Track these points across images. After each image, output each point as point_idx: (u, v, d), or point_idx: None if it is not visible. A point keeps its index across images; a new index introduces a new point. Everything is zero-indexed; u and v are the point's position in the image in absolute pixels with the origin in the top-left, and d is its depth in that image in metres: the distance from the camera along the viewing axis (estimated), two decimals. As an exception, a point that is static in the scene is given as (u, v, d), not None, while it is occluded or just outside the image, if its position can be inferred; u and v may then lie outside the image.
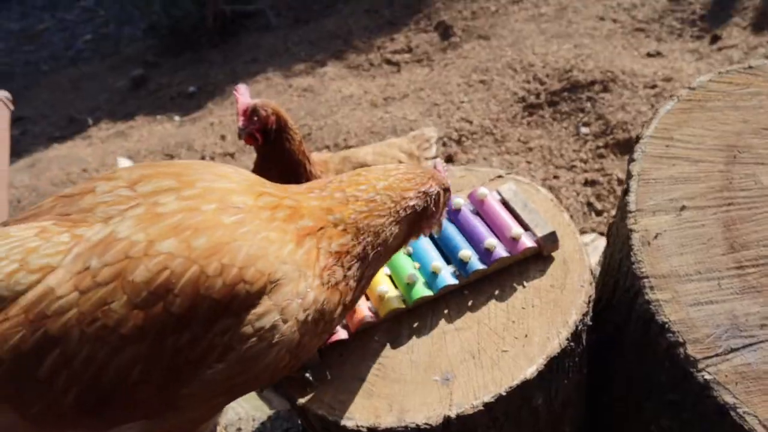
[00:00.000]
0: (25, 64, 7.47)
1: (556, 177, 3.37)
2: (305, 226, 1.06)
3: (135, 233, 0.93)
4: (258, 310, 0.96)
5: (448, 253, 1.48)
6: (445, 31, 5.02)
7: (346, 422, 1.26)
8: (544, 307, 1.38)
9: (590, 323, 1.43)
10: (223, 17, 6.17)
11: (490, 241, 1.45)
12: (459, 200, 1.58)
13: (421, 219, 1.24)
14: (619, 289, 1.56)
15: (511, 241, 1.45)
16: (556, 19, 4.57)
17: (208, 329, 0.92)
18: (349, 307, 1.15)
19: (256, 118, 2.38)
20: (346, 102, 4.56)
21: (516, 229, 1.46)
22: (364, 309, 1.40)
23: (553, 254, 1.49)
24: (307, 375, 1.35)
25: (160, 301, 0.89)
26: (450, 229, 1.52)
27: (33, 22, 8.44)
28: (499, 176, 1.74)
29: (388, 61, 5.02)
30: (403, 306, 1.40)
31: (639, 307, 1.40)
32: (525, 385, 1.25)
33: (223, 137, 4.65)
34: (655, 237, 1.44)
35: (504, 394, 1.24)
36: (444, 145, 3.79)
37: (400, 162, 2.84)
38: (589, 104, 3.69)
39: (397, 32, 5.32)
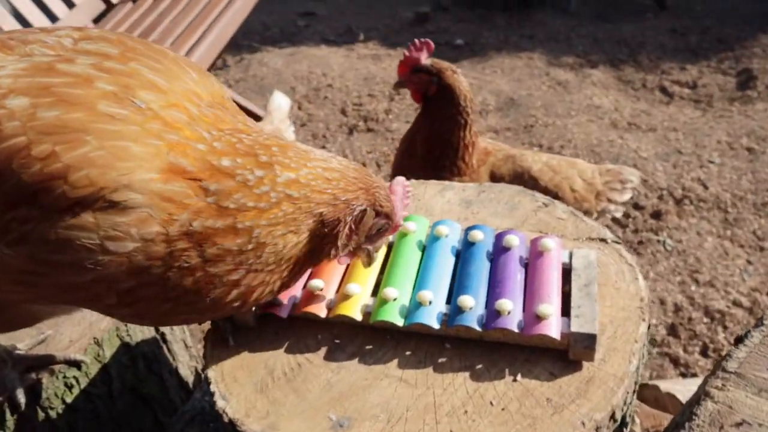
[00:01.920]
0: (348, -30, 8.04)
1: (770, 296, 2.60)
2: (179, 166, 0.85)
3: (9, 77, 0.84)
4: (72, 220, 0.80)
5: (456, 289, 1.15)
6: (746, 81, 4.13)
7: (219, 400, 1.06)
8: (514, 421, 0.99)
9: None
10: (524, -15, 5.89)
11: (505, 303, 1.07)
12: (515, 239, 1.21)
13: (327, 237, 0.97)
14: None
15: (534, 318, 1.06)
16: None
17: (8, 209, 0.81)
18: (211, 307, 0.94)
19: (417, 76, 2.17)
20: (588, 110, 4.05)
21: (548, 306, 1.06)
22: (323, 299, 1.15)
23: (584, 363, 1.06)
24: (229, 338, 1.16)
25: None
26: (480, 266, 1.17)
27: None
28: (603, 240, 1.31)
29: (663, 89, 4.32)
30: (359, 320, 1.12)
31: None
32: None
33: (451, 95, 4.48)
34: (739, 424, 0.95)
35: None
36: (660, 198, 3.15)
37: (573, 189, 2.37)
38: None
39: (693, 63, 4.54)
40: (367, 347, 1.12)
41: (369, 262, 1.14)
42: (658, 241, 2.95)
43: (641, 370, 1.15)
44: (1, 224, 0.81)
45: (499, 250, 1.21)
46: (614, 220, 3.10)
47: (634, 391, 1.10)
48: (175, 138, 0.86)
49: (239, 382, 1.09)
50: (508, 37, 5.48)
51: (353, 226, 1.00)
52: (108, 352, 1.47)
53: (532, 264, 1.17)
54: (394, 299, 1.12)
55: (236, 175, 0.87)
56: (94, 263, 0.82)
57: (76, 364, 1.38)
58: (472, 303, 1.09)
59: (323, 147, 4.14)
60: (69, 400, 1.40)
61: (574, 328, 1.04)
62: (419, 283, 1.16)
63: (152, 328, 1.63)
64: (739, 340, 1.04)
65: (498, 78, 4.70)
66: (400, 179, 1.15)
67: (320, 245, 0.98)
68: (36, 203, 0.79)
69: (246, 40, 6.12)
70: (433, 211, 1.42)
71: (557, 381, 1.04)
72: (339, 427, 1.00)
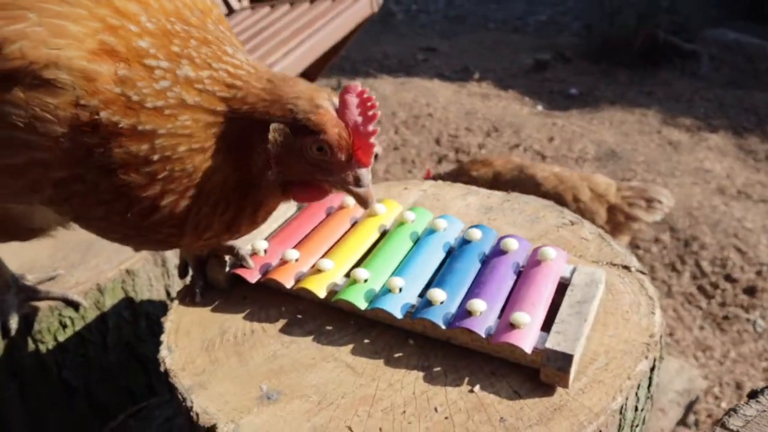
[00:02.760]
0: (478, 15, 8.11)
1: None
2: (108, 44, 0.83)
3: None
4: (4, 94, 0.81)
5: (434, 283, 1.03)
6: None
7: (164, 350, 1.02)
8: None
9: None
10: (652, 42, 5.60)
11: (478, 303, 0.95)
12: (514, 243, 1.08)
13: (245, 161, 0.88)
14: None
15: (507, 326, 0.93)
16: None
17: None
18: (142, 228, 0.90)
19: None
20: (695, 173, 3.73)
21: (524, 315, 0.93)
22: (294, 270, 1.09)
23: (558, 390, 0.91)
24: (197, 293, 1.13)
25: None
26: (468, 265, 1.06)
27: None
28: (626, 267, 1.14)
29: (791, 163, 3.90)
30: (321, 297, 1.04)
31: None
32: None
33: (551, 139, 4.31)
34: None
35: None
36: (758, 273, 2.80)
37: (577, 199, 2.24)
38: None
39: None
40: (327, 328, 1.04)
41: (361, 202, 0.93)
42: (748, 320, 2.61)
43: (637, 416, 0.98)
44: None
45: (494, 253, 1.09)
46: (700, 288, 2.79)
47: (618, 438, 0.93)
48: (117, 22, 0.85)
49: (190, 337, 1.04)
50: (625, 92, 5.23)
51: (264, 146, 0.88)
52: (109, 302, 1.48)
53: (525, 272, 1.04)
54: (365, 281, 1.03)
55: (145, 59, 0.84)
56: (25, 143, 0.83)
57: (74, 305, 1.40)
58: (443, 298, 0.97)
59: (409, 171, 4.11)
60: (61, 338, 1.42)
61: (549, 345, 0.90)
62: (397, 271, 1.06)
63: (162, 291, 1.63)
64: (752, 395, 0.85)
65: (604, 130, 4.47)
66: (352, 85, 0.89)
67: (246, 174, 0.90)
68: None
69: (365, 66, 6.29)
70: (448, 212, 1.31)
71: (520, 402, 0.90)
72: (266, 399, 0.92)
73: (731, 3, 6.84)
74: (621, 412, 0.91)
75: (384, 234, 1.19)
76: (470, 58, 6.47)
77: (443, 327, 0.95)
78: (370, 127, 0.88)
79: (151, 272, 1.57)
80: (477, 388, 0.92)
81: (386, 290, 1.01)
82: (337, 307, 1.05)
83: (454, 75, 6.06)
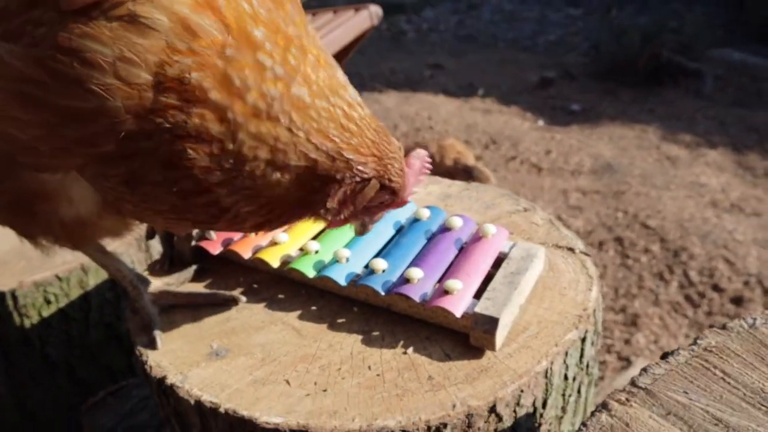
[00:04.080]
0: (488, 35, 8.23)
1: None
2: (215, 2, 0.74)
3: None
4: (87, 28, 0.71)
5: (381, 256, 1.10)
6: None
7: (128, 312, 1.09)
8: (384, 388, 0.92)
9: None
10: (656, 62, 5.66)
11: (415, 271, 1.01)
12: (458, 222, 1.15)
13: (317, 192, 0.83)
14: None
15: (440, 292, 0.99)
16: None
17: (23, 10, 0.75)
18: (184, 205, 0.82)
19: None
20: (690, 187, 3.76)
21: (456, 282, 0.99)
22: (250, 243, 1.16)
23: (487, 354, 0.97)
24: (166, 263, 1.21)
25: None
26: (414, 239, 1.13)
27: (522, 9, 9.21)
28: (570, 249, 1.20)
29: (787, 179, 3.92)
30: (274, 267, 1.11)
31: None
32: (238, 421, 0.87)
33: (548, 152, 4.37)
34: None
35: (223, 412, 0.89)
36: (745, 284, 2.81)
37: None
38: None
39: (831, 158, 4.08)
40: (279, 296, 1.11)
41: (362, 232, 0.99)
42: (732, 328, 2.62)
43: (568, 385, 1.03)
44: (16, 26, 0.75)
45: (440, 230, 1.15)
46: (687, 298, 2.81)
47: (545, 401, 0.98)
48: None
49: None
50: (627, 109, 5.28)
51: (349, 193, 0.86)
52: (92, 281, 1.56)
53: (466, 247, 1.11)
54: (316, 252, 1.10)
55: (258, 53, 0.75)
56: (102, 86, 0.72)
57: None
58: (385, 266, 1.04)
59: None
60: (45, 314, 1.50)
61: (477, 309, 0.96)
62: (346, 245, 1.13)
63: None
64: (664, 356, 0.90)
65: (603, 144, 4.52)
66: (422, 153, 0.98)
67: (308, 198, 0.84)
68: (48, 4, 0.73)
69: (372, 81, 6.41)
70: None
71: (449, 363, 0.96)
72: (215, 355, 0.98)
73: (740, 24, 6.90)
74: (546, 376, 0.96)
75: (342, 214, 1.26)
76: (476, 75, 6.57)
77: (382, 293, 1.01)
78: (415, 189, 0.97)
79: (134, 256, 1.65)
80: (410, 350, 0.98)
81: (334, 261, 1.08)
82: (290, 277, 1.12)
83: (458, 91, 6.15)
